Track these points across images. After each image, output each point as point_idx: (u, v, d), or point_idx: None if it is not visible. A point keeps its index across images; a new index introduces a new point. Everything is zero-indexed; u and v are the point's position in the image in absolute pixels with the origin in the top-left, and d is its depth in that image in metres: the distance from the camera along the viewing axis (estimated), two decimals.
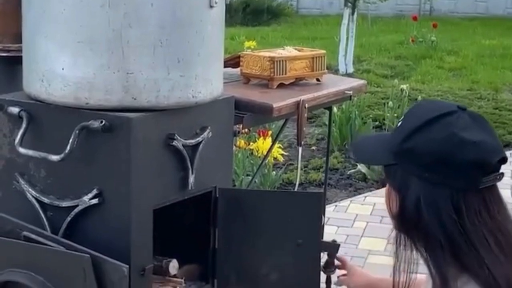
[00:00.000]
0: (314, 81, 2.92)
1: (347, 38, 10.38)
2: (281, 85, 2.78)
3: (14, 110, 2.13)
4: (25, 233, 2.04)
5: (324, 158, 5.72)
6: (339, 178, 6.44)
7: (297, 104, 2.62)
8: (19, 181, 2.16)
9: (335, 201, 5.88)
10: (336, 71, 9.71)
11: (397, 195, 1.59)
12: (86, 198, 2.06)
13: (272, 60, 2.75)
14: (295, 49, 3.01)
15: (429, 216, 1.52)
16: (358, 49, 11.42)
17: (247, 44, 7.94)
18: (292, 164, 6.51)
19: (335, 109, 6.43)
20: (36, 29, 2.11)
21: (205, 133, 2.21)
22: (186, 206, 2.28)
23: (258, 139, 5.66)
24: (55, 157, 2.03)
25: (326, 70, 2.98)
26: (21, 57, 2.23)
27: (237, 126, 2.46)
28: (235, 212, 2.34)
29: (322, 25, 15.31)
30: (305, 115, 2.66)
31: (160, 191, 2.13)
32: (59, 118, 2.09)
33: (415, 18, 13.17)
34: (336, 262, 2.31)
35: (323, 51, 2.96)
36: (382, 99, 8.48)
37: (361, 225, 5.37)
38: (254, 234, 2.35)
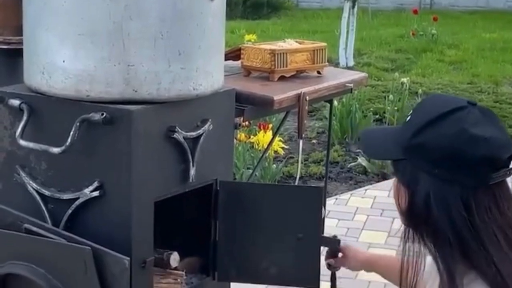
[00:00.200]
0: (315, 73, 2.91)
1: (348, 32, 10.37)
2: (282, 78, 2.78)
3: (15, 102, 2.12)
4: (26, 225, 2.04)
5: (325, 152, 5.72)
6: (340, 171, 6.45)
7: (298, 97, 2.62)
8: (20, 174, 2.16)
9: (335, 194, 5.89)
10: (336, 65, 9.71)
11: (406, 190, 1.58)
12: (87, 190, 2.06)
13: (273, 52, 2.74)
14: (296, 41, 3.01)
15: (438, 213, 1.51)
16: (359, 42, 11.41)
17: (247, 37, 7.94)
18: (293, 158, 6.51)
19: (335, 102, 6.43)
20: (36, 21, 2.11)
21: (206, 126, 2.21)
22: (187, 199, 2.28)
23: (258, 133, 5.66)
24: (56, 150, 2.03)
25: (327, 63, 2.97)
26: (21, 49, 2.22)
27: (238, 118, 2.46)
28: (235, 205, 2.34)
29: (323, 19, 15.30)
30: (306, 107, 2.66)
31: (161, 184, 2.13)
32: (60, 110, 2.09)
33: (415, 12, 13.17)
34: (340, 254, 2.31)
35: (324, 44, 2.96)
36: (383, 92, 8.48)
37: (361, 218, 5.37)
38: (254, 228, 2.35)
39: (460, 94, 8.59)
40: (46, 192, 2.12)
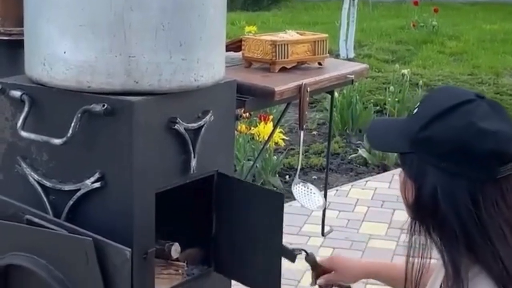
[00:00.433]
0: (316, 65, 2.91)
1: (348, 23, 10.36)
2: (283, 69, 2.77)
3: (16, 93, 2.12)
4: (27, 216, 2.04)
5: (325, 143, 5.73)
6: (340, 162, 6.46)
7: (299, 88, 2.62)
8: (21, 165, 2.16)
9: (336, 186, 5.89)
10: (337, 56, 9.71)
11: (413, 184, 1.57)
12: (88, 181, 2.06)
13: (274, 43, 2.74)
14: (297, 33, 3.00)
15: (445, 207, 1.51)
16: (359, 34, 11.41)
17: (247, 29, 7.93)
18: (293, 149, 6.52)
19: (336, 93, 6.43)
20: (37, 12, 2.10)
21: (207, 117, 2.21)
22: (188, 190, 2.28)
23: (259, 124, 5.67)
24: (57, 141, 2.03)
25: (328, 54, 2.97)
26: (22, 40, 2.22)
27: (239, 110, 2.46)
28: (214, 199, 2.34)
29: (323, 10, 15.29)
30: (307, 99, 2.66)
31: (162, 175, 2.14)
32: (61, 101, 2.09)
33: (416, 3, 13.13)
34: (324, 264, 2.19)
35: (325, 35, 2.95)
36: (383, 83, 8.48)
37: (362, 209, 5.39)
38: (228, 222, 2.33)
39: (460, 85, 8.59)
40: (48, 183, 2.12)
